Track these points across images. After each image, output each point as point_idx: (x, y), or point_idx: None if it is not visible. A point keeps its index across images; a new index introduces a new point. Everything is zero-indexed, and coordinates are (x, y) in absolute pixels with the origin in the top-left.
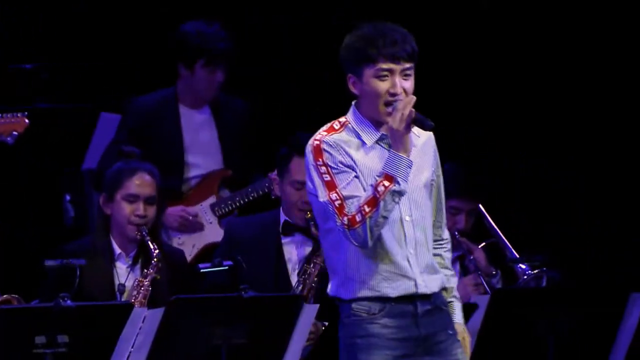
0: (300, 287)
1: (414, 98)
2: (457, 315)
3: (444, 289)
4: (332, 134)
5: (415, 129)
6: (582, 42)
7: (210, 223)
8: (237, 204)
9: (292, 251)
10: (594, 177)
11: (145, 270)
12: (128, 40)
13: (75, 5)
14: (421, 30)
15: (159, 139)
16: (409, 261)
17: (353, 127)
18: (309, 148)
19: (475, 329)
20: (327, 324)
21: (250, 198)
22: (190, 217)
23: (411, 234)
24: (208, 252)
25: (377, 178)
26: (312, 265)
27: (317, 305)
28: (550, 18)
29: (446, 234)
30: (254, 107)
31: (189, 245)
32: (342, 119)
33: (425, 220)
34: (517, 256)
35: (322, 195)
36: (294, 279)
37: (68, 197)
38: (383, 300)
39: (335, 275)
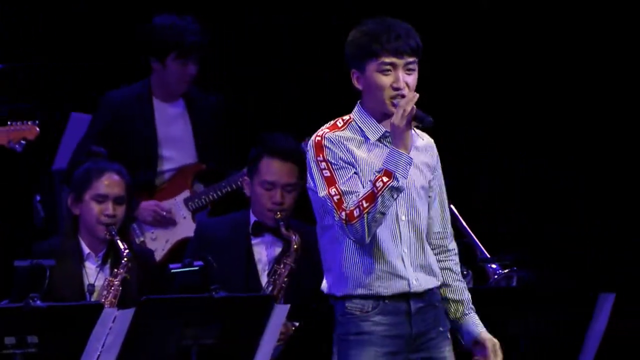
0: (270, 288)
1: (417, 95)
2: (480, 326)
3: (445, 285)
4: (334, 131)
5: (419, 131)
6: (581, 42)
7: (184, 218)
8: (211, 198)
9: (262, 252)
10: (566, 177)
11: (116, 270)
12: (99, 40)
13: (47, 6)
14: (421, 29)
15: (132, 132)
16: (403, 260)
17: (357, 124)
18: (310, 143)
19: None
20: (297, 324)
21: (224, 192)
22: (164, 212)
23: (406, 234)
24: (181, 247)
25: (377, 174)
26: (282, 266)
27: (288, 306)
28: (550, 18)
29: (453, 245)
30: (228, 101)
31: (162, 240)
32: (346, 117)
33: (421, 221)
34: (488, 256)
35: (322, 190)
36: (264, 280)
37: (38, 198)
38: (376, 298)
39: (330, 273)
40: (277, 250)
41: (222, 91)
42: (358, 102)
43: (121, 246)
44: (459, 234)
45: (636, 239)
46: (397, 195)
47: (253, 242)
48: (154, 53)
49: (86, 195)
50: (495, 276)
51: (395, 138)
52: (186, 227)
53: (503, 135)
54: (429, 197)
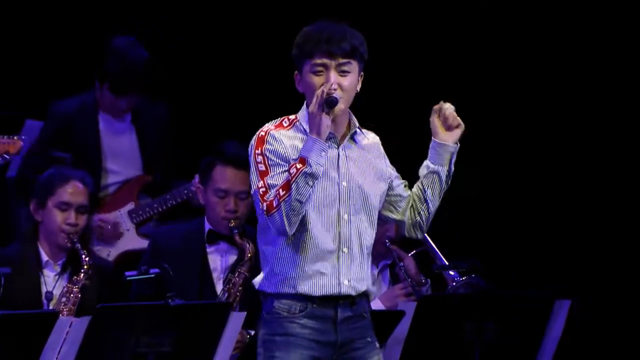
0: (225, 296)
1: (331, 84)
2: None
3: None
4: (279, 130)
5: (364, 130)
6: (581, 42)
7: (127, 230)
8: (155, 211)
9: (217, 260)
10: (522, 182)
11: (75, 277)
12: (54, 45)
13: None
14: (421, 30)
15: (77, 144)
16: (338, 261)
17: (301, 124)
18: (253, 138)
19: (402, 336)
20: (253, 332)
21: (169, 205)
22: (109, 227)
23: (346, 234)
24: (124, 260)
25: (292, 161)
26: (236, 275)
27: (244, 314)
28: (549, 17)
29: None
30: (176, 111)
31: (104, 253)
32: (292, 117)
33: (362, 222)
34: (446, 263)
35: (254, 184)
36: (219, 288)
37: None
38: (305, 299)
39: (264, 269)
40: (233, 258)
41: (170, 100)
42: (304, 103)
43: (82, 254)
44: (417, 242)
45: (592, 244)
46: (313, 183)
47: (208, 250)
48: (96, 72)
49: (49, 202)
50: (454, 283)
51: (310, 124)
52: (129, 240)
53: (462, 142)
54: (378, 199)
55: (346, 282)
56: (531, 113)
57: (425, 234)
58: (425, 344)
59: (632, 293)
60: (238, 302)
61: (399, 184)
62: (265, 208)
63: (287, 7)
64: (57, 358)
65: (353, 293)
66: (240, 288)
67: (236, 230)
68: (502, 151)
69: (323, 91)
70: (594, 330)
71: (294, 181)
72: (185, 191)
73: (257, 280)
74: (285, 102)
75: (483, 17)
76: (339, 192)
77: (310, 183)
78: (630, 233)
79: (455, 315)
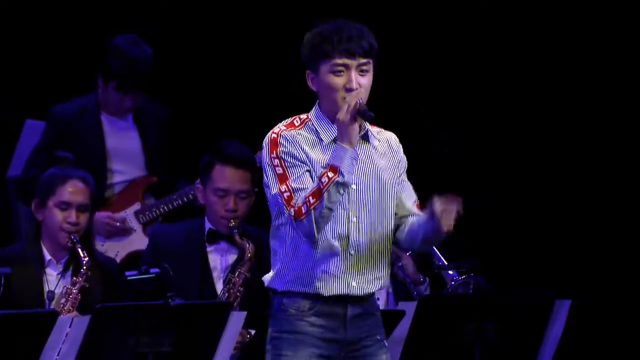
0: (225, 296)
1: (362, 90)
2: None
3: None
4: (290, 130)
5: (375, 132)
6: (581, 42)
7: (135, 230)
8: (161, 211)
9: (217, 259)
10: (522, 183)
11: (75, 278)
12: (55, 45)
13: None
14: (420, 29)
15: (81, 146)
16: (347, 263)
17: (313, 125)
18: (265, 140)
19: (402, 336)
20: (253, 332)
21: (175, 205)
22: (117, 224)
23: (355, 236)
24: (132, 260)
25: (322, 169)
26: (236, 275)
27: (245, 313)
28: (549, 17)
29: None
30: (177, 113)
31: (112, 253)
32: (304, 116)
33: (373, 225)
34: (445, 263)
35: (274, 187)
36: (219, 288)
37: None
38: (314, 298)
39: (274, 268)
40: (232, 257)
41: (173, 103)
42: (316, 102)
43: (82, 254)
44: None
45: (592, 244)
46: (344, 191)
47: (208, 249)
48: (100, 72)
49: (50, 201)
50: (452, 283)
51: (340, 133)
52: (136, 240)
53: (466, 141)
54: (392, 199)
55: (354, 283)
56: (531, 113)
57: None
58: (425, 344)
59: (631, 293)
60: (238, 302)
61: (404, 189)
62: (293, 214)
63: (287, 7)
64: (57, 357)
65: (362, 294)
66: (240, 288)
67: (236, 230)
68: (502, 151)
69: (357, 102)
70: (594, 330)
71: (326, 190)
72: (192, 191)
73: (267, 277)
74: (285, 102)
75: (482, 17)
76: (348, 195)
77: (342, 191)
78: (630, 233)
79: (455, 315)
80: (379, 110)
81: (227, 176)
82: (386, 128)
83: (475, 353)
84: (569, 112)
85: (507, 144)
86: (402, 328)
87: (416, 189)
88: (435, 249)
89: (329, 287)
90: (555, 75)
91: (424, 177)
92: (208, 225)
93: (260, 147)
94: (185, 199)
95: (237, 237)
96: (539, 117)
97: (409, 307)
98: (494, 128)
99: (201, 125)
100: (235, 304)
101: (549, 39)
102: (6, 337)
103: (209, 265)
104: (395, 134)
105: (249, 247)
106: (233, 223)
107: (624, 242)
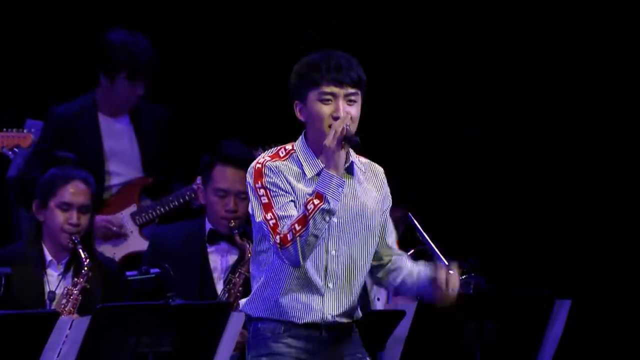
0: (225, 296)
1: (348, 116)
2: (428, 270)
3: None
4: (275, 160)
5: (362, 164)
6: (581, 42)
7: (131, 232)
8: (158, 212)
9: (218, 260)
10: (518, 182)
11: (75, 279)
12: (54, 45)
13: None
14: (421, 30)
15: (78, 147)
16: (323, 295)
17: (297, 157)
18: (250, 170)
19: (402, 336)
20: None
21: (171, 207)
22: (115, 228)
23: (333, 269)
24: (128, 262)
25: (308, 196)
26: (237, 275)
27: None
28: (549, 18)
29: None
30: (174, 114)
31: (109, 254)
32: (289, 146)
33: (352, 258)
34: (446, 263)
35: (259, 216)
36: (219, 288)
37: None
38: (289, 323)
39: (252, 292)
40: (233, 258)
41: (173, 103)
42: (302, 133)
43: (82, 255)
44: (417, 241)
45: (592, 244)
46: (330, 218)
47: (209, 250)
48: (104, 69)
49: (51, 202)
50: None
51: (326, 159)
52: (133, 242)
53: (466, 141)
54: (374, 233)
55: (329, 317)
56: (531, 113)
57: (424, 233)
58: (426, 344)
59: (631, 293)
60: (238, 302)
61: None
62: (279, 241)
63: (287, 7)
64: (57, 358)
65: (336, 324)
66: (240, 288)
67: (236, 231)
68: (501, 151)
69: (343, 127)
70: (594, 330)
71: (312, 217)
72: (188, 193)
73: (243, 301)
74: (285, 102)
75: (483, 17)
76: (329, 227)
77: (327, 219)
78: (630, 233)
79: (455, 315)
80: (379, 110)
81: (227, 176)
82: (386, 128)
83: (476, 353)
84: (569, 113)
85: (507, 144)
86: (402, 328)
87: (416, 188)
88: (435, 249)
89: (302, 317)
90: (555, 75)
91: (423, 177)
92: (208, 226)
93: (258, 147)
94: (181, 200)
95: (237, 238)
96: (539, 118)
97: (409, 307)
98: (494, 128)
99: (201, 125)
100: (235, 304)
101: (549, 39)
102: (6, 337)
103: (210, 266)
104: (395, 133)
105: (249, 247)
106: (233, 223)
107: (624, 242)
